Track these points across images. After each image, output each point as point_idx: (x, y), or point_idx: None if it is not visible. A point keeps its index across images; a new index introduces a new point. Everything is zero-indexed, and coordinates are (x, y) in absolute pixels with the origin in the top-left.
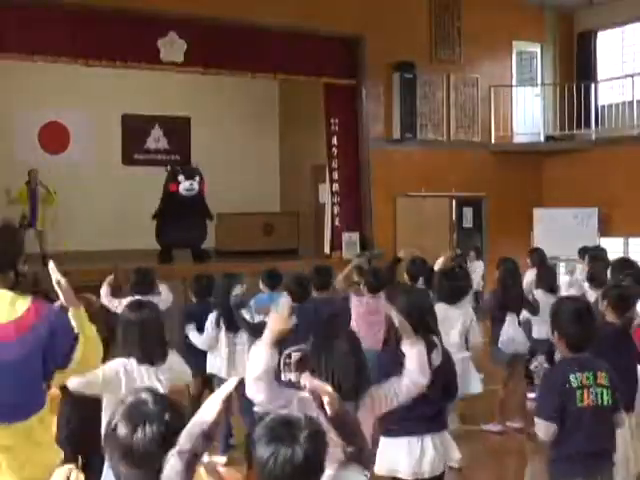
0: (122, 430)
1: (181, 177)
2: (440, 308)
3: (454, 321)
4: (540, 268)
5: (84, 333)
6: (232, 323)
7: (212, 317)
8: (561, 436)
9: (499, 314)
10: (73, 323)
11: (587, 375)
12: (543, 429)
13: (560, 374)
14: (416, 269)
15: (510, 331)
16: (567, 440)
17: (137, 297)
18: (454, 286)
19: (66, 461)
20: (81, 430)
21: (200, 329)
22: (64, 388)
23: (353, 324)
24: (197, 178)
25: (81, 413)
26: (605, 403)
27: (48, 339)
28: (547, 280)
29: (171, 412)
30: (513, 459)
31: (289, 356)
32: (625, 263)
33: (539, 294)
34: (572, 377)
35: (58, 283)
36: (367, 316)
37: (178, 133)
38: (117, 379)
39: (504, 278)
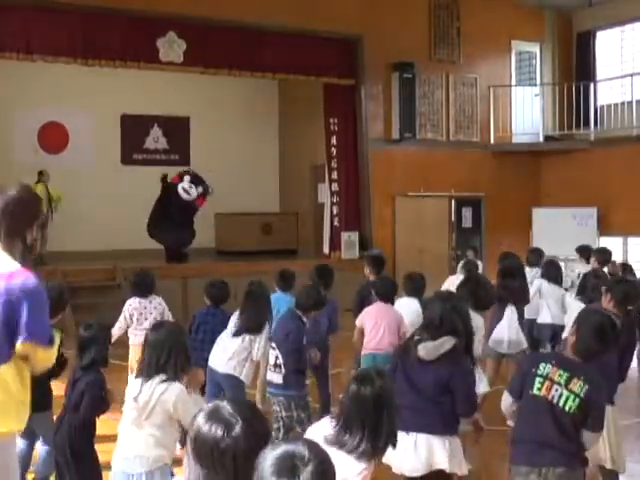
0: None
1: (187, 177)
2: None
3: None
4: (546, 263)
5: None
6: (244, 327)
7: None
8: (517, 419)
9: (497, 308)
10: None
11: (560, 373)
12: (504, 400)
13: (535, 359)
14: (413, 285)
15: (504, 329)
16: (518, 423)
17: (136, 299)
18: (485, 293)
19: (59, 466)
20: (76, 435)
21: (210, 332)
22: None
23: (372, 328)
24: (200, 189)
25: (75, 419)
26: (567, 408)
27: (13, 307)
28: (552, 272)
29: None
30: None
31: (278, 357)
32: None
33: (544, 285)
34: (542, 365)
35: None
36: (381, 320)
37: (177, 133)
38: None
39: (502, 273)
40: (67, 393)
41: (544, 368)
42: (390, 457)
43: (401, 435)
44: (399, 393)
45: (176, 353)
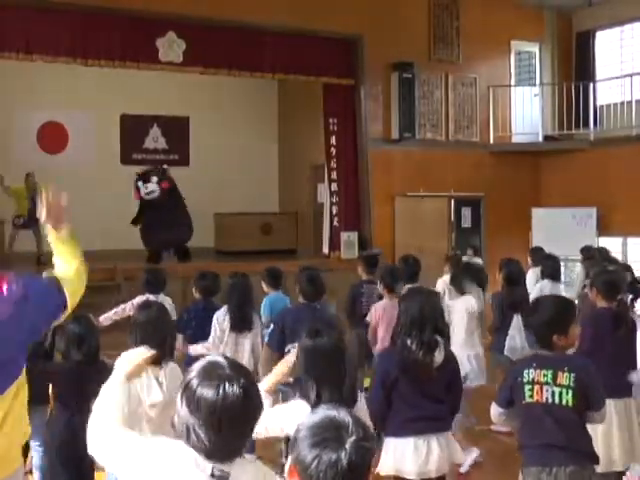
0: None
1: (139, 183)
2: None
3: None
4: (544, 260)
5: (69, 269)
6: (240, 322)
7: (219, 315)
8: (519, 427)
9: (504, 317)
10: (55, 269)
11: (544, 373)
12: (493, 410)
13: (518, 368)
14: (409, 269)
15: (517, 338)
16: (521, 431)
17: (148, 296)
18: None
19: (54, 470)
20: (74, 438)
21: (201, 327)
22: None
23: (374, 325)
24: (154, 179)
25: (73, 420)
26: (564, 403)
27: (22, 320)
28: (550, 269)
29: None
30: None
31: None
32: None
33: (544, 283)
34: (525, 372)
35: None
36: (387, 317)
37: (177, 133)
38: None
39: (509, 279)
40: (63, 391)
41: (528, 374)
42: (406, 465)
43: (419, 440)
44: (412, 405)
45: (164, 335)
